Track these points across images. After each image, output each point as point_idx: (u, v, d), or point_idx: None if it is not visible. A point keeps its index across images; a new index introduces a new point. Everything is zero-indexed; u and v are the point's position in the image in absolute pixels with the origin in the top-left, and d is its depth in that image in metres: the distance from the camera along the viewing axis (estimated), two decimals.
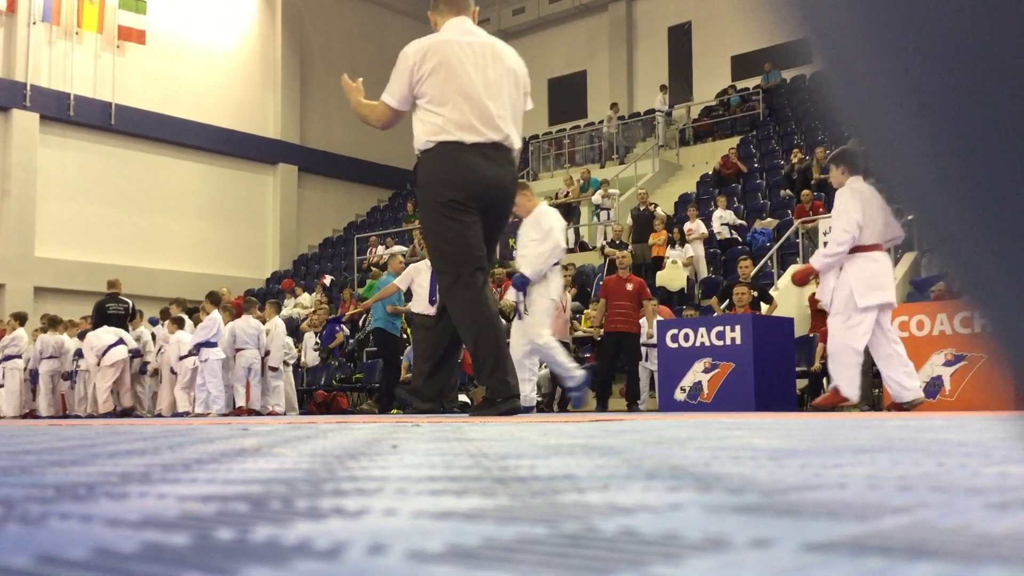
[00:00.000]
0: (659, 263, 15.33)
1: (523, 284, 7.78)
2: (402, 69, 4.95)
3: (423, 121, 4.92)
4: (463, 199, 4.86)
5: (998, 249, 0.39)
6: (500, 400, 4.89)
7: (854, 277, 7.36)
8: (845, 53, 0.40)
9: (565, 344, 11.78)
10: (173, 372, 13.54)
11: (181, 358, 13.21)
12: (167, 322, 13.95)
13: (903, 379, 7.27)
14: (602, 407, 11.69)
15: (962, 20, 0.36)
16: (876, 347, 7.39)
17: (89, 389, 14.46)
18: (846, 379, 7.33)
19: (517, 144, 5.07)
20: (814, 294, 11.71)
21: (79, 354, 14.57)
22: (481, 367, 4.93)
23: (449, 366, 5.41)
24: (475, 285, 4.89)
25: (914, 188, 0.40)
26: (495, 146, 4.91)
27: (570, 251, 18.87)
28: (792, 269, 7.62)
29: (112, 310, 14.48)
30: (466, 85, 4.86)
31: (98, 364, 13.78)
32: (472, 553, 0.56)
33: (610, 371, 11.85)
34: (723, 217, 16.05)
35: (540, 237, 7.79)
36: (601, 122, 25.68)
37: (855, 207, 7.34)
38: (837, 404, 7.39)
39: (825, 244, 7.55)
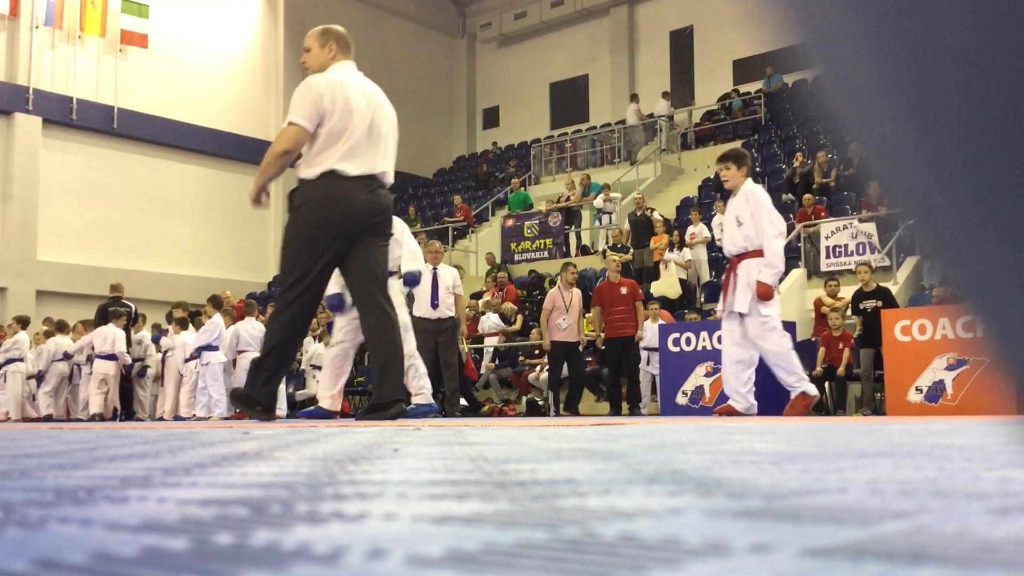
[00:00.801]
0: (659, 267, 15.35)
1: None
2: (311, 96, 5.37)
3: (314, 150, 5.36)
4: (335, 233, 5.34)
5: (998, 253, 0.39)
6: (260, 407, 5.48)
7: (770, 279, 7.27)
8: (842, 57, 0.40)
9: (575, 345, 11.83)
10: (182, 374, 13.57)
11: (187, 360, 13.24)
12: (172, 324, 14.00)
13: (745, 387, 7.35)
14: (615, 411, 11.72)
15: (959, 24, 0.36)
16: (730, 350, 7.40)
17: (84, 391, 14.51)
18: (803, 379, 7.29)
19: (390, 180, 5.55)
20: (819, 299, 11.74)
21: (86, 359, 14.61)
22: (259, 373, 5.49)
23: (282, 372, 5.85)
24: (293, 307, 5.40)
25: (913, 193, 0.40)
26: (372, 178, 5.40)
27: (572, 255, 18.90)
28: (747, 289, 7.39)
29: (115, 314, 14.50)
30: (359, 123, 5.37)
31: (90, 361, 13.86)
32: (472, 558, 0.56)
33: (617, 375, 11.87)
34: (723, 222, 16.05)
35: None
36: (605, 124, 25.62)
37: (774, 210, 7.32)
38: (809, 406, 7.32)
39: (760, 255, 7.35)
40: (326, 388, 7.52)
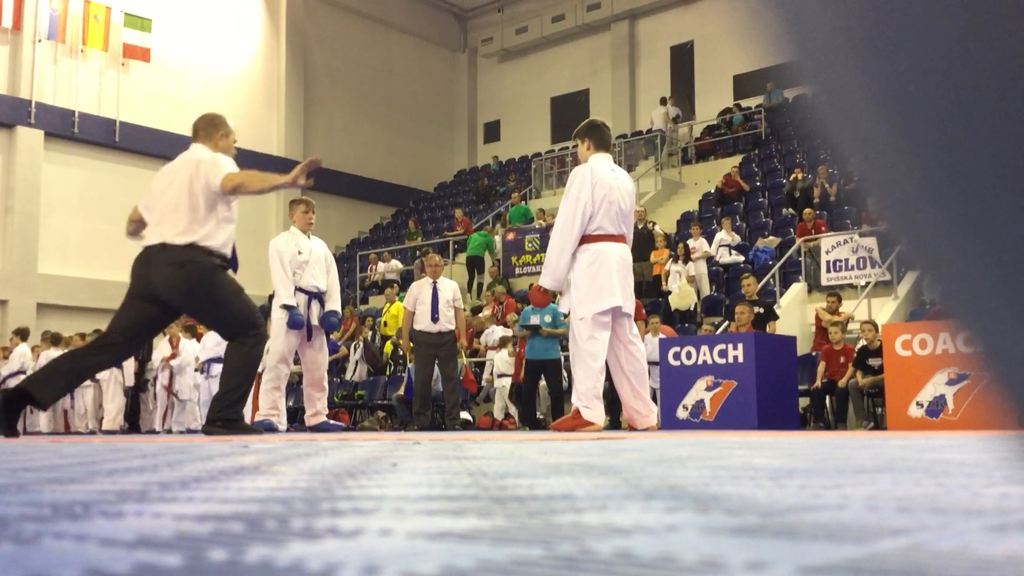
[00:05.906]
0: (660, 281, 15.35)
1: None
2: None
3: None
4: (132, 290, 5.85)
5: (987, 268, 0.39)
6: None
7: (578, 275, 6.42)
8: (833, 75, 0.40)
9: None
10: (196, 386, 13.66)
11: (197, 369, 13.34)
12: (182, 331, 14.10)
13: (636, 404, 6.60)
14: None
15: (949, 43, 0.36)
16: (610, 362, 6.51)
17: (87, 404, 14.48)
18: (587, 399, 6.34)
19: (177, 239, 5.69)
20: (819, 312, 11.73)
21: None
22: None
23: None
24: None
25: (903, 209, 0.40)
26: (154, 249, 5.72)
27: None
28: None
29: None
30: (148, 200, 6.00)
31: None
32: (466, 575, 0.55)
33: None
34: (723, 239, 16.05)
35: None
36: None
37: (584, 187, 6.31)
38: (577, 428, 6.36)
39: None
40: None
